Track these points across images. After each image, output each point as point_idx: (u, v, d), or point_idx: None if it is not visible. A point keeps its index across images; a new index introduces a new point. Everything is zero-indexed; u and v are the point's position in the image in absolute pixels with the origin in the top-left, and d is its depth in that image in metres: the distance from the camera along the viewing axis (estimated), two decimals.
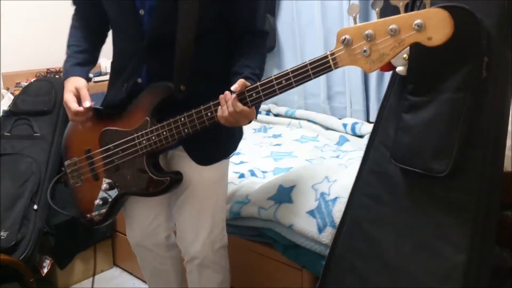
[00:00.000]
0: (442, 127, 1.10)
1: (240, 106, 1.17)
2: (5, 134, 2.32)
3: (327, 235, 1.47)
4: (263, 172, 1.93)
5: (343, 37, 1.04)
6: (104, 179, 1.41)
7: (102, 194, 1.42)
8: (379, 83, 2.33)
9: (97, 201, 1.42)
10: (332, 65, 1.09)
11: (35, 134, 2.30)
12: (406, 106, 1.16)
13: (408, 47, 1.12)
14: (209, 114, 1.23)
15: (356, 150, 2.01)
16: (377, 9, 1.03)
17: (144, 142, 1.32)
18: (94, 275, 2.15)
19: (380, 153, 1.26)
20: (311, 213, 1.53)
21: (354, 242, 1.31)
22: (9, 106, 2.46)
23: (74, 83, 1.37)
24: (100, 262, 2.35)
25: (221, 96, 1.20)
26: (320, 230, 1.49)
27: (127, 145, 1.35)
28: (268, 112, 2.84)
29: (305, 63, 1.12)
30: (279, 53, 2.77)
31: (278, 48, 2.77)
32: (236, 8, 1.30)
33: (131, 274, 2.34)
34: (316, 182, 1.64)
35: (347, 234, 1.33)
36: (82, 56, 1.45)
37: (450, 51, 1.08)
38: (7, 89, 2.73)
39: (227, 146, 1.44)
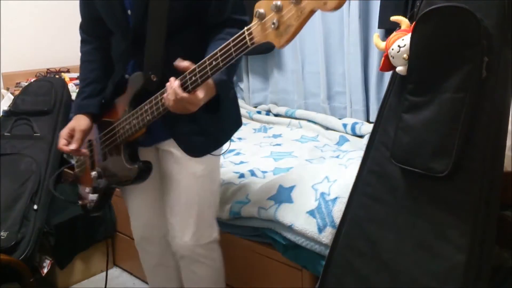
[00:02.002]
0: (442, 127, 1.10)
1: (180, 94, 1.16)
2: (5, 134, 2.32)
3: (327, 235, 1.47)
4: (263, 172, 1.93)
5: (256, 10, 0.99)
6: (96, 168, 1.47)
7: (93, 182, 1.47)
8: (379, 83, 2.33)
9: (88, 189, 1.48)
10: (248, 41, 1.04)
11: (35, 134, 2.31)
12: (406, 106, 1.16)
13: (408, 47, 1.13)
14: (163, 100, 1.24)
15: (356, 150, 2.02)
16: None
17: (120, 131, 1.38)
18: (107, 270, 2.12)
19: (380, 153, 1.26)
20: (311, 213, 1.53)
21: (354, 242, 1.31)
22: (9, 106, 2.46)
23: (76, 122, 1.44)
24: (100, 262, 2.35)
25: (167, 83, 1.19)
26: (320, 230, 1.49)
27: (110, 134, 1.41)
28: (268, 112, 2.84)
29: (228, 42, 1.08)
30: (279, 53, 2.77)
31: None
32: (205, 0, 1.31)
33: (131, 274, 2.34)
34: (316, 182, 1.64)
35: (347, 234, 1.33)
36: (90, 88, 1.48)
37: (450, 51, 1.08)
38: (7, 89, 2.74)
39: (216, 135, 1.45)
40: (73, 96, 2.60)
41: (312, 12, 0.94)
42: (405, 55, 1.13)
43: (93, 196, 1.47)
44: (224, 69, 1.12)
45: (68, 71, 2.90)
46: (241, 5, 1.36)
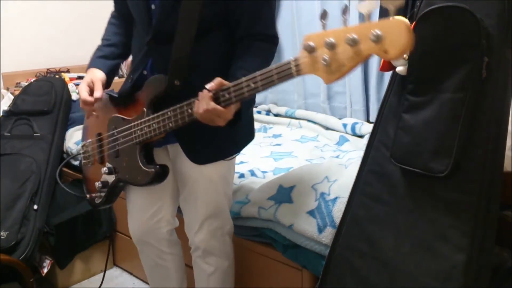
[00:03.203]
0: (442, 127, 1.10)
1: (211, 104, 1.16)
2: (5, 134, 2.32)
3: (327, 235, 1.47)
4: (263, 172, 1.93)
5: (307, 43, 0.99)
6: (106, 163, 1.46)
7: (103, 177, 1.46)
8: (379, 83, 2.33)
9: (98, 184, 1.47)
10: (295, 72, 1.04)
11: (35, 134, 2.31)
12: (406, 106, 1.16)
13: None
14: (189, 110, 1.23)
15: (356, 150, 2.02)
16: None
17: (138, 131, 1.36)
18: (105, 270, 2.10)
19: (380, 153, 1.26)
20: (311, 213, 1.53)
21: (354, 242, 1.31)
22: (9, 106, 2.46)
23: (91, 74, 1.44)
24: (100, 262, 2.35)
25: (200, 92, 1.19)
26: (320, 230, 1.49)
27: (126, 132, 1.40)
28: (268, 112, 2.84)
29: (271, 68, 1.08)
30: (279, 53, 2.77)
31: (278, 48, 2.74)
32: (238, 10, 1.30)
33: (131, 274, 2.34)
34: (316, 182, 1.64)
35: (347, 234, 1.33)
36: (108, 49, 1.51)
37: (450, 51, 1.08)
38: (7, 89, 2.74)
39: (224, 147, 1.44)
40: (73, 96, 2.61)
41: (369, 56, 0.93)
42: (405, 55, 1.14)
43: (102, 191, 1.47)
44: None
45: (68, 71, 2.90)
46: (273, 21, 1.38)
